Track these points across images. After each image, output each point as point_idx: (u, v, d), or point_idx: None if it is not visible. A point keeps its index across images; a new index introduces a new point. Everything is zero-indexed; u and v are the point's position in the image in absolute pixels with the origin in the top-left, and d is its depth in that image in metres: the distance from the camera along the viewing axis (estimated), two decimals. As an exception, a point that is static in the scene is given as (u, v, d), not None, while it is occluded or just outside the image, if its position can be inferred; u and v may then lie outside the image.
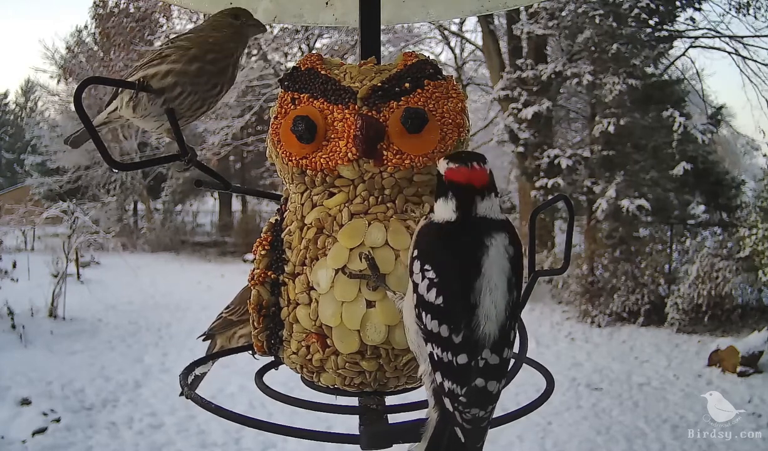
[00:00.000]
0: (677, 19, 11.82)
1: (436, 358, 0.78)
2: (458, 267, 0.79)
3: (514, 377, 1.01)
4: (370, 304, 0.91)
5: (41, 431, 5.27)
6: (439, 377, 0.79)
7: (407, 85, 0.96)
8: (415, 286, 0.80)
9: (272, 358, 1.08)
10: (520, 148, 11.91)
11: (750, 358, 7.14)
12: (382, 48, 1.31)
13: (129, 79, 1.08)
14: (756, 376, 7.06)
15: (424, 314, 0.79)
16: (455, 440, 0.79)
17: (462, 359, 0.77)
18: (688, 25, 12.33)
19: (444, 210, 0.81)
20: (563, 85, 12.23)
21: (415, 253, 0.82)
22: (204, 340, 1.45)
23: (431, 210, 0.86)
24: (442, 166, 0.83)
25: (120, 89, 1.12)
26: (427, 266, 0.79)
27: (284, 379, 1.06)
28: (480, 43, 15.15)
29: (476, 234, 0.80)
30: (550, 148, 11.47)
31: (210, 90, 1.10)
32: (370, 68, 1.02)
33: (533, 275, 1.09)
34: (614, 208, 10.15)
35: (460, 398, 0.77)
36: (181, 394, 1.03)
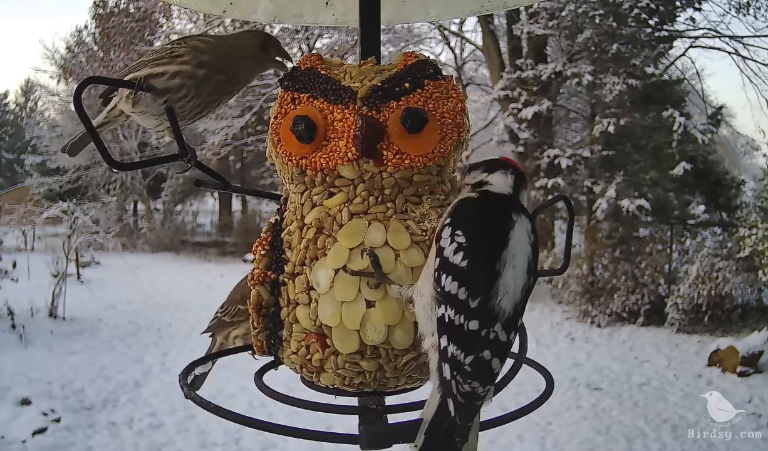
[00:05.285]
0: (677, 19, 11.83)
1: (446, 320, 0.79)
2: (489, 235, 0.83)
3: (513, 377, 1.01)
4: (369, 304, 0.91)
5: (41, 431, 5.27)
6: (444, 341, 0.79)
7: (407, 85, 0.96)
8: (440, 250, 0.82)
9: (272, 358, 1.08)
10: (520, 148, 11.92)
11: (750, 358, 7.14)
12: (382, 48, 1.31)
13: (135, 73, 1.07)
14: (756, 376, 7.06)
15: (444, 276, 0.80)
16: (453, 422, 0.79)
17: (473, 324, 0.78)
18: (688, 25, 12.34)
19: (503, 183, 0.89)
20: (563, 85, 12.24)
21: (448, 220, 0.85)
22: (210, 336, 1.46)
23: (477, 186, 0.91)
24: (491, 156, 0.95)
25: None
26: (458, 232, 0.82)
27: (284, 379, 1.06)
28: (480, 43, 15.16)
29: (507, 210, 0.85)
30: (550, 148, 11.48)
31: (211, 102, 1.11)
32: (370, 68, 1.02)
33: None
34: (614, 208, 10.15)
35: (465, 367, 0.78)
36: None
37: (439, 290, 0.80)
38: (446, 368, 0.79)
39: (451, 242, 0.81)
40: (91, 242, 11.41)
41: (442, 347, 0.79)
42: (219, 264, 16.32)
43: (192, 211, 21.18)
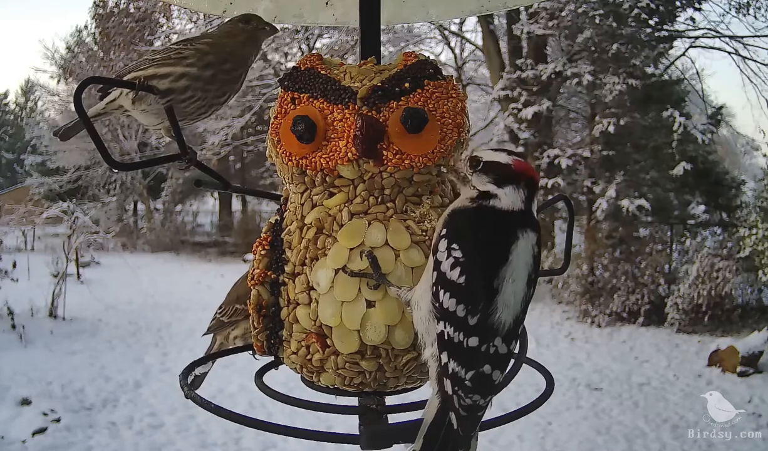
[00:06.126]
0: (677, 19, 11.84)
1: (446, 337, 0.79)
2: (487, 251, 0.80)
3: (514, 377, 1.01)
4: (370, 304, 0.91)
5: (41, 431, 5.27)
6: (444, 358, 0.79)
7: (407, 85, 0.96)
8: (437, 263, 0.81)
9: (272, 358, 1.08)
10: (520, 148, 11.91)
11: (750, 358, 7.14)
12: (382, 48, 1.31)
13: (138, 72, 1.08)
14: (756, 376, 7.06)
15: (442, 291, 0.79)
16: (452, 428, 0.79)
17: (473, 341, 0.78)
18: (688, 25, 12.35)
19: (514, 199, 0.82)
20: (563, 85, 12.25)
21: (444, 231, 0.82)
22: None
23: (479, 195, 0.84)
24: (503, 157, 0.84)
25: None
26: (454, 245, 0.80)
27: (284, 379, 1.06)
28: (480, 43, 15.16)
29: (512, 224, 0.81)
30: (550, 148, 11.48)
31: (218, 97, 1.11)
32: (370, 68, 1.02)
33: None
34: (614, 208, 10.15)
35: (466, 382, 0.78)
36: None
37: (437, 305, 0.80)
38: (447, 383, 0.79)
39: (448, 256, 0.79)
40: (91, 242, 11.41)
41: (442, 363, 0.79)
42: (219, 264, 16.32)
43: (192, 212, 21.16)
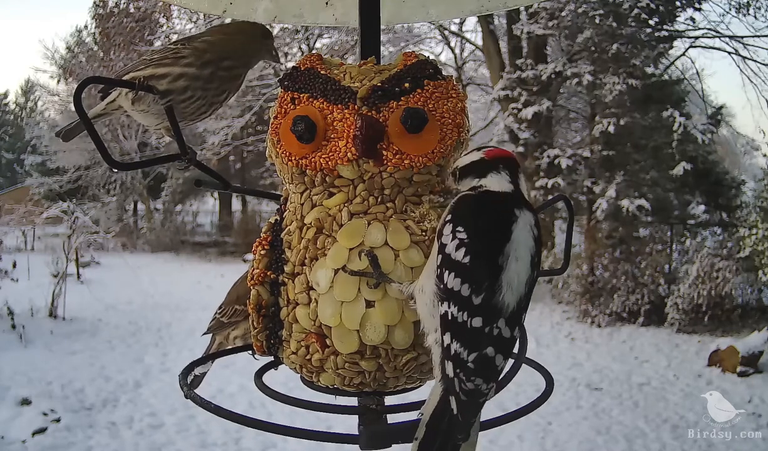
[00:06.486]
0: (677, 19, 11.85)
1: (449, 317, 0.79)
2: (490, 230, 0.82)
3: (514, 377, 1.01)
4: (369, 304, 0.91)
5: (41, 431, 5.27)
6: (447, 339, 0.79)
7: (407, 85, 0.96)
8: (442, 247, 0.82)
9: (272, 358, 1.07)
10: (520, 148, 11.91)
11: (750, 358, 7.14)
12: (382, 48, 1.31)
13: (137, 73, 1.08)
14: (756, 376, 7.06)
15: (446, 273, 0.80)
16: (455, 417, 0.79)
17: (477, 322, 0.78)
18: (688, 25, 12.35)
19: (500, 183, 0.87)
20: (563, 85, 12.24)
21: (449, 217, 0.84)
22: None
23: (473, 188, 0.89)
24: (474, 155, 0.90)
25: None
26: (459, 228, 0.82)
27: (284, 379, 1.06)
28: (480, 43, 15.16)
29: (510, 204, 0.84)
30: (550, 148, 11.48)
31: (218, 96, 1.11)
32: (370, 68, 1.02)
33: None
34: (614, 208, 10.16)
35: (468, 364, 0.77)
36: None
37: (441, 287, 0.80)
38: (449, 365, 0.78)
39: (453, 239, 0.81)
40: (91, 242, 11.41)
41: (445, 345, 0.79)
42: (219, 264, 16.31)
43: (192, 212, 21.16)
